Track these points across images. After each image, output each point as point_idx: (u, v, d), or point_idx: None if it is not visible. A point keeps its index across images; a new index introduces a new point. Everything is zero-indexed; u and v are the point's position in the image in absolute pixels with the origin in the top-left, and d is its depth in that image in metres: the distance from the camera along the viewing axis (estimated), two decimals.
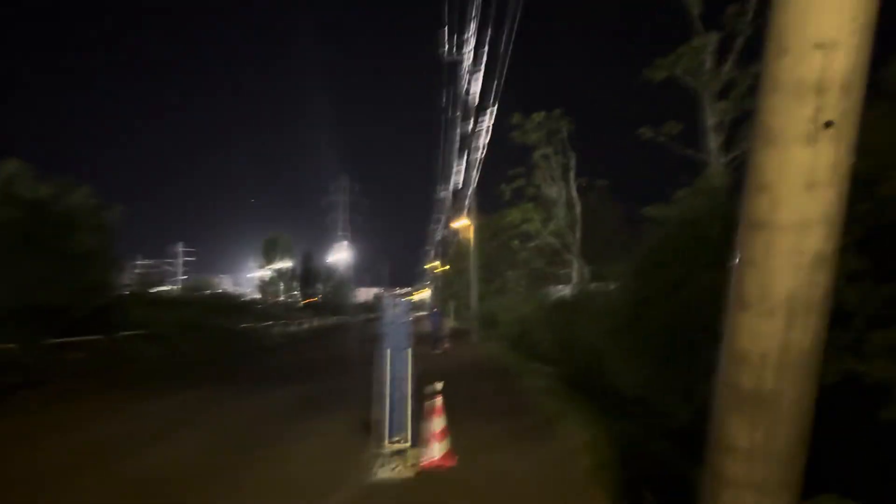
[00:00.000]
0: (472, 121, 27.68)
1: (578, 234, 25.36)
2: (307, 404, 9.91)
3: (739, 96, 14.48)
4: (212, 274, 67.83)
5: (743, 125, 14.81)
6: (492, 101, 23.18)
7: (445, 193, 48.22)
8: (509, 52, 20.39)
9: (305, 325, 34.12)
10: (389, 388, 5.55)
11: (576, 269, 25.41)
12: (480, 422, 7.68)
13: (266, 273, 55.03)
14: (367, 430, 6.28)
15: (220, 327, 21.00)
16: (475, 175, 27.58)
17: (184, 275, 67.39)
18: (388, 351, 5.70)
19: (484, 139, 26.34)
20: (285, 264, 56.04)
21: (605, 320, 10.22)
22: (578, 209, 25.10)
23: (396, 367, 5.66)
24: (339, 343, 25.81)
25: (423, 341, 22.69)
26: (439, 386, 5.44)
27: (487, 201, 29.72)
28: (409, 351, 5.74)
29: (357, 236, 72.99)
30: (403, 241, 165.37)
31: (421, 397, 6.15)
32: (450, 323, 37.45)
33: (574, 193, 24.95)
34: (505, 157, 27.35)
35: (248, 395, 10.98)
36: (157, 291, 27.42)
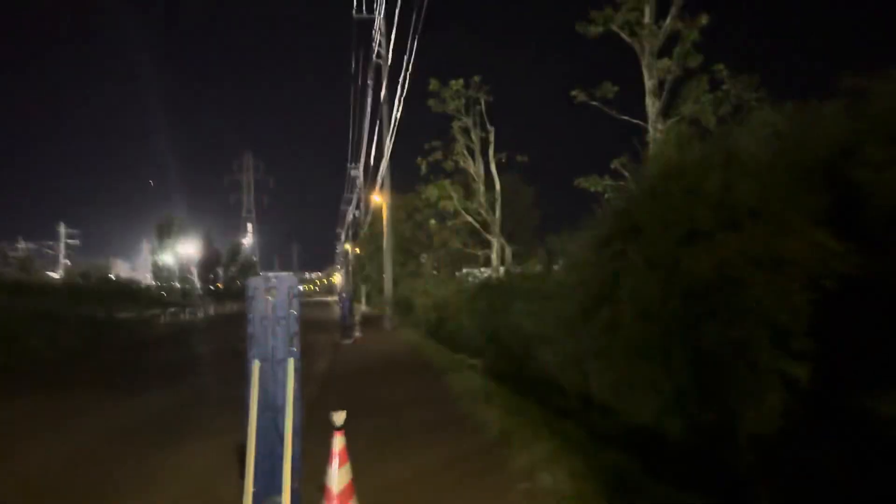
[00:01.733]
0: (385, 88, 25.45)
1: (498, 213, 23.75)
2: (173, 420, 7.60)
3: (683, 53, 13.04)
4: (104, 258, 61.97)
5: (686, 85, 13.42)
6: (406, 64, 20.99)
7: (357, 172, 45.71)
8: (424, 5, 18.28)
9: (200, 314, 30.87)
10: (257, 426, 3.44)
11: (495, 249, 23.81)
12: (404, 449, 5.69)
13: (162, 257, 50.64)
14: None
15: (92, 318, 17.91)
16: (388, 146, 25.34)
17: (68, 258, 61.21)
18: (256, 363, 3.59)
19: (398, 108, 24.13)
20: (184, 247, 51.88)
21: (552, 307, 8.49)
22: (498, 186, 23.46)
23: (271, 390, 3.55)
24: (235, 334, 23.11)
25: (332, 329, 20.45)
26: (340, 419, 3.40)
27: (403, 181, 27.73)
28: (294, 362, 3.64)
29: (264, 218, 69.01)
30: (315, 223, 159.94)
31: (315, 428, 4.11)
32: (361, 308, 35.29)
33: (493, 170, 23.27)
34: (423, 131, 25.35)
35: (94, 408, 8.47)
36: (22, 277, 23.83)
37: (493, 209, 23.42)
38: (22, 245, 59.73)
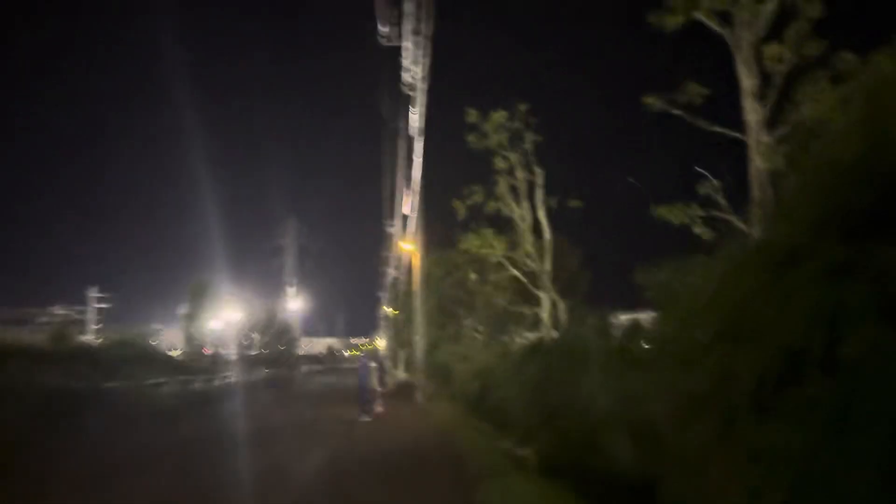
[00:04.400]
0: (422, 136, 22.94)
1: (548, 264, 20.35)
2: None
3: (798, 37, 9.88)
4: (143, 323, 60.14)
5: (804, 80, 10.14)
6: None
7: (394, 228, 43.11)
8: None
9: (219, 382, 28.00)
10: None
11: (546, 306, 20.34)
12: None
13: (196, 322, 48.76)
14: None
15: (63, 389, 15.20)
16: (420, 197, 22.60)
17: (101, 323, 59.76)
18: None
19: (422, 151, 21.48)
20: (221, 312, 50.02)
21: (650, 379, 5.24)
22: (548, 235, 20.17)
23: None
24: (251, 406, 20.08)
25: (349, 400, 17.10)
26: None
27: (441, 237, 24.64)
28: None
29: (307, 282, 66.42)
30: (360, 288, 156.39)
31: None
32: (396, 376, 32.00)
33: (542, 216, 20.01)
34: (462, 178, 22.36)
35: None
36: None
37: (541, 259, 20.14)
38: (60, 311, 58.86)
